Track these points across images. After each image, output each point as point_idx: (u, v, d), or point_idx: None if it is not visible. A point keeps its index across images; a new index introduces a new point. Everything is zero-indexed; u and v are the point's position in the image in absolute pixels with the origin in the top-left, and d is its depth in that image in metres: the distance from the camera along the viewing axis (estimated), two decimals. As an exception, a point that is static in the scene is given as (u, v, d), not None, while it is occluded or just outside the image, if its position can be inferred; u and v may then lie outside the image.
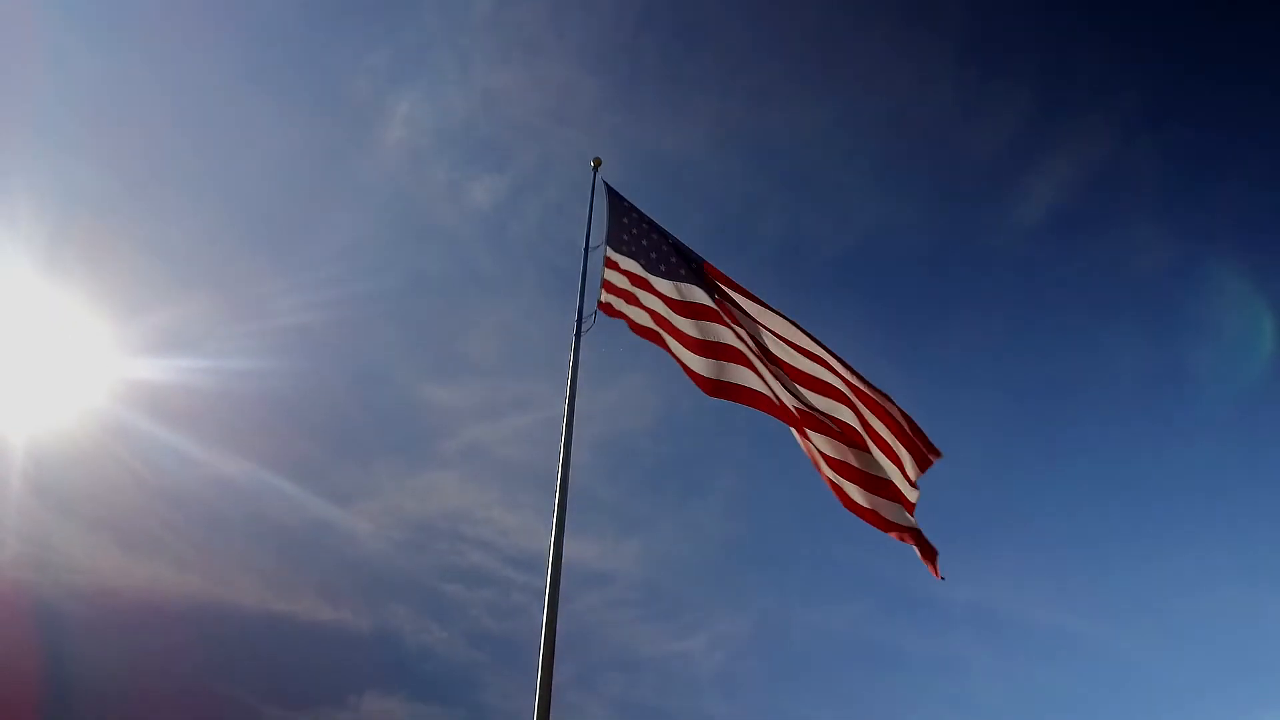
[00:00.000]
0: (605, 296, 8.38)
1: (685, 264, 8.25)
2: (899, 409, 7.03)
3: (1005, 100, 29.15)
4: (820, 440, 7.35)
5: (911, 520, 6.90)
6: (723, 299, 7.98)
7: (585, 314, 7.84)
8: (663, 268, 8.29)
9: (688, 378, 7.85)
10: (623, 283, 8.45)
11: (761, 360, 7.59)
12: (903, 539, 6.93)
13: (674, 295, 8.08)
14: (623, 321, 8.33)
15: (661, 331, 8.12)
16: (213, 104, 25.48)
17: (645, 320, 8.23)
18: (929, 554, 6.79)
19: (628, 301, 8.36)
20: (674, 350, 7.99)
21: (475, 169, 28.50)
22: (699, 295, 7.96)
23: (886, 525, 7.00)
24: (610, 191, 9.14)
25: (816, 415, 7.35)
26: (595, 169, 9.40)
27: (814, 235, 31.36)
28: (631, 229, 8.72)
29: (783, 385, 7.45)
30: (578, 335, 7.64)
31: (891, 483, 6.99)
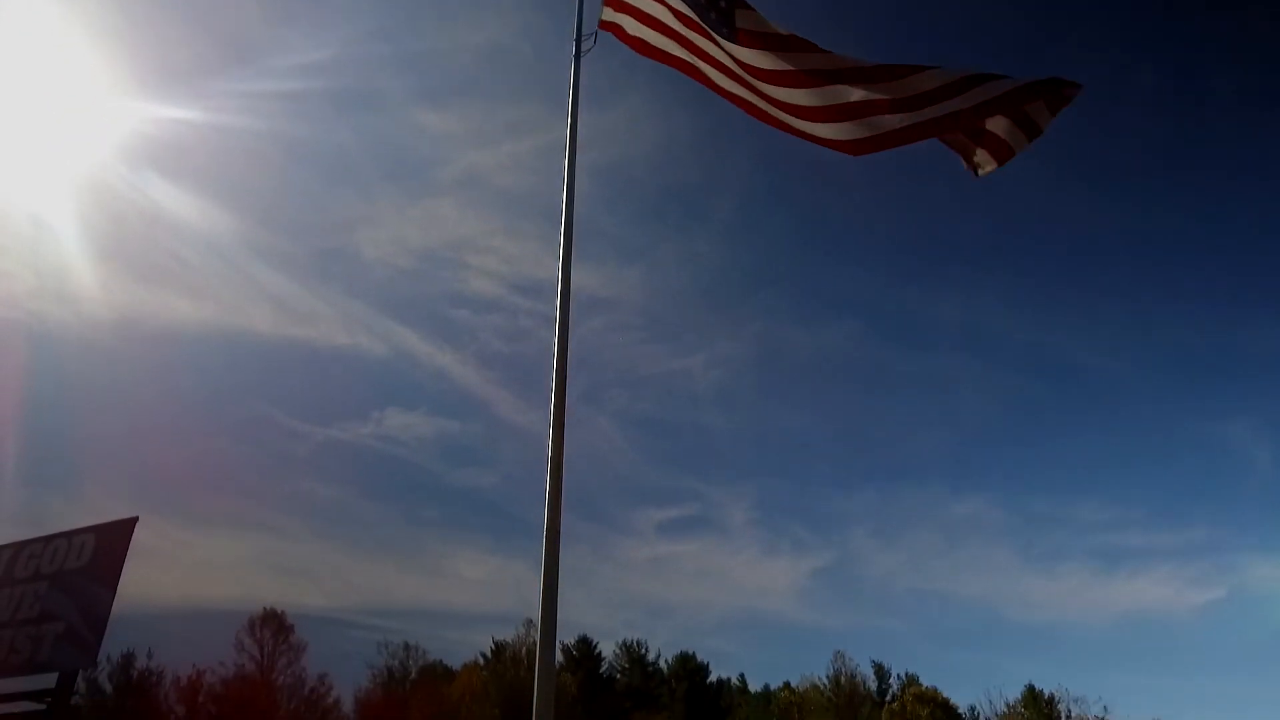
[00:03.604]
0: (608, 14, 7.39)
1: None
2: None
3: None
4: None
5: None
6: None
7: (585, 33, 7.06)
8: None
9: (700, 87, 6.95)
10: None
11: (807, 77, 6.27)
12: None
13: (693, 16, 6.86)
14: (624, 40, 7.37)
15: (684, 53, 7.10)
16: None
17: (661, 42, 7.20)
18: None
19: (637, 19, 7.30)
20: (697, 73, 7.00)
21: None
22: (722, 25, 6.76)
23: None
24: None
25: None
26: None
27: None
28: None
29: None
30: (576, 57, 6.97)
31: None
